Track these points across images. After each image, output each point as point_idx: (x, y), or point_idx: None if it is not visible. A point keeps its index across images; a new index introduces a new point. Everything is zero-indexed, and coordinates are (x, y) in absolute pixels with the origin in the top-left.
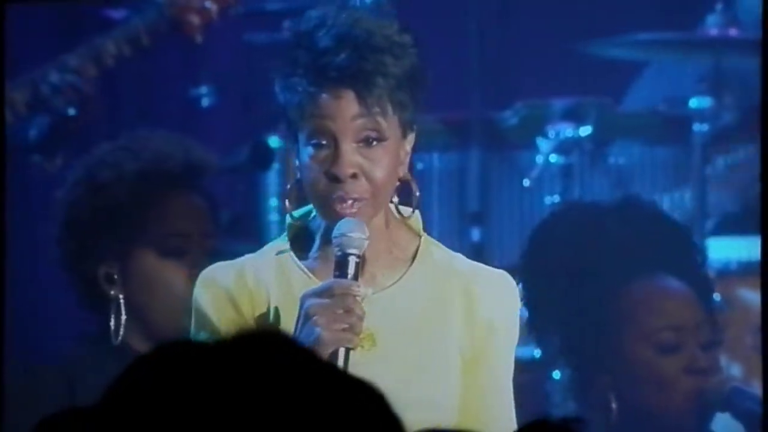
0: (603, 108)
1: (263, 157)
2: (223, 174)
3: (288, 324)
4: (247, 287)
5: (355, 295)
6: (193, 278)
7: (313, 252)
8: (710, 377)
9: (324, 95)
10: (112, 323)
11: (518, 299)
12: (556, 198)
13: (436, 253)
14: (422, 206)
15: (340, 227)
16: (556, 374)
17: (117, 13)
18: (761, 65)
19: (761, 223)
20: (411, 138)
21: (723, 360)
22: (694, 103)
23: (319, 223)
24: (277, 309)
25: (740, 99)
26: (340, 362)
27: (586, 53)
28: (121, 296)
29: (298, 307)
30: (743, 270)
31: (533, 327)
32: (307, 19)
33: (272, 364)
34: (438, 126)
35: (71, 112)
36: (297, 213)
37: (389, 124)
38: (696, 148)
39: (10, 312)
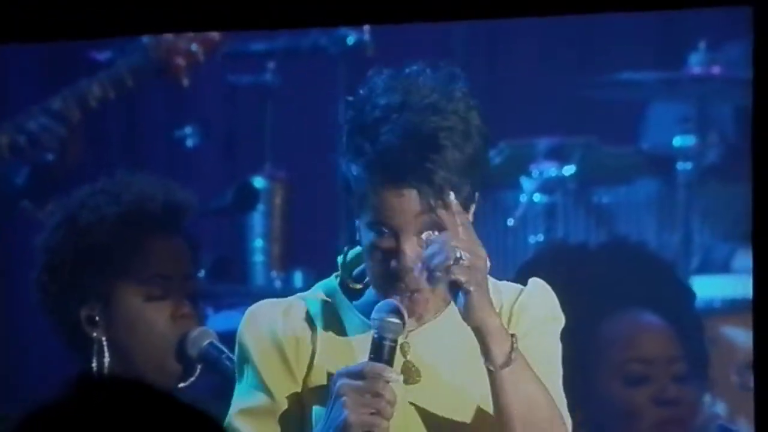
0: (587, 147)
1: (248, 199)
2: (208, 216)
3: (332, 368)
4: (293, 329)
5: (386, 380)
6: (175, 319)
7: (366, 295)
8: (680, 409)
9: (387, 190)
10: (95, 365)
11: (550, 296)
12: (540, 237)
13: None
14: None
15: (380, 309)
16: None
17: (101, 56)
18: (754, 92)
19: (753, 258)
20: (473, 208)
21: (707, 398)
22: (677, 141)
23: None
24: (321, 352)
25: (724, 137)
26: None
27: (569, 93)
28: (103, 338)
29: (343, 354)
30: (728, 308)
31: None
32: (364, 99)
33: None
34: None
35: (50, 157)
36: (355, 272)
37: (449, 210)
38: (680, 187)
39: None
